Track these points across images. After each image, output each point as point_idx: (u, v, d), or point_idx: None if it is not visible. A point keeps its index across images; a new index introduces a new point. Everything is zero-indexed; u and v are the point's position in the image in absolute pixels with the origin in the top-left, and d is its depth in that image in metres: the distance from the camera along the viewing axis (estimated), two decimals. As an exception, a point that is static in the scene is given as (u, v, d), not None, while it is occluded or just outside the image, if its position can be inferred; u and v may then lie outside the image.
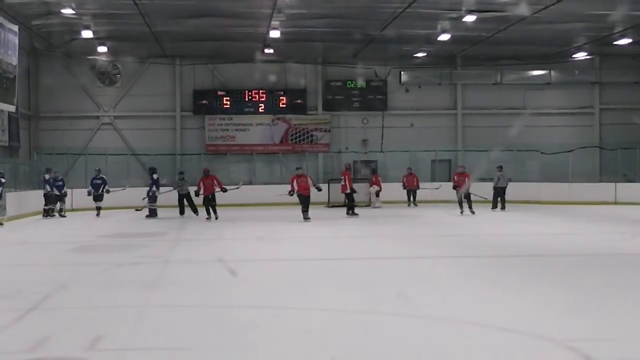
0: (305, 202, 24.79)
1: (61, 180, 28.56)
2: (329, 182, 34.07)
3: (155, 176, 28.05)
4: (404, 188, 33.45)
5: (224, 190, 26.37)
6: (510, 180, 31.11)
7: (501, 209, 29.55)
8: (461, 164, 27.95)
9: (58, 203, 28.35)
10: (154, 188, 27.76)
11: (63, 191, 28.50)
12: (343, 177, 27.60)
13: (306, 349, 7.45)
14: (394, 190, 33.43)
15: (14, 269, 14.33)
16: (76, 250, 17.11)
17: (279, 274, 12.94)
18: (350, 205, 27.25)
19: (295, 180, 24.85)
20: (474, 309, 9.38)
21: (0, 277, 12.88)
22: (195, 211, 27.49)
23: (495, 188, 30.00)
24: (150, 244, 17.96)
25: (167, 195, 28.38)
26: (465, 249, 16.55)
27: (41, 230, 23.61)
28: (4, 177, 24.46)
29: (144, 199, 27.86)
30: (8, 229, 23.08)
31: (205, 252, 16.40)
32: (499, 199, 29.84)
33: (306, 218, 24.43)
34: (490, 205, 29.55)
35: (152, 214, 27.27)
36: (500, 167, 30.76)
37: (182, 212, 27.95)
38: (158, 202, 27.77)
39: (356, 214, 26.88)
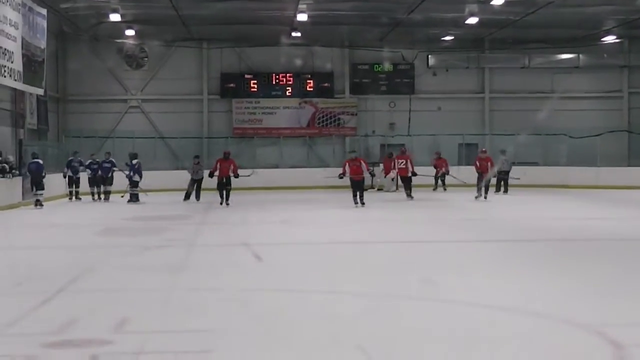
0: (356, 187, 23.84)
1: (110, 162, 28.30)
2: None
3: (134, 162, 26.84)
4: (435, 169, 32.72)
5: (236, 176, 24.91)
6: (513, 164, 30.99)
7: (504, 192, 29.51)
8: (483, 148, 27.49)
9: (102, 186, 28.11)
10: (131, 173, 26.62)
11: (109, 174, 28.13)
12: (403, 160, 27.45)
13: (332, 335, 7.44)
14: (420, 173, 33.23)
15: (42, 251, 14.46)
16: (103, 233, 17.22)
17: (305, 258, 12.96)
18: (410, 187, 27.10)
19: (347, 164, 24.09)
20: (502, 294, 9.36)
21: (29, 259, 13.00)
22: (198, 197, 26.74)
23: (498, 171, 29.89)
24: (176, 228, 18.03)
25: (181, 179, 28.15)
26: (493, 233, 16.52)
27: (68, 213, 23.75)
28: (39, 159, 24.81)
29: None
30: (36, 211, 23.25)
31: (231, 236, 16.46)
32: (502, 182, 29.89)
33: (356, 202, 23.58)
34: (494, 188, 29.39)
35: (133, 198, 26.48)
36: (504, 151, 30.64)
37: (187, 196, 26.90)
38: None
39: (412, 197, 26.72)
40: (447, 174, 32.49)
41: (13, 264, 12.38)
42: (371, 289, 9.78)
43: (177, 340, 7.25)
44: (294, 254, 13.53)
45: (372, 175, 25.37)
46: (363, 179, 24.16)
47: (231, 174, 24.91)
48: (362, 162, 24.28)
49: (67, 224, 19.93)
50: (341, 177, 24.34)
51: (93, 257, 12.96)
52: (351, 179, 23.90)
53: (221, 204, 24.70)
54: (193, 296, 9.47)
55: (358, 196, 23.69)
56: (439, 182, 32.61)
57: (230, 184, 25.02)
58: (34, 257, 13.44)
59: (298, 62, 37.69)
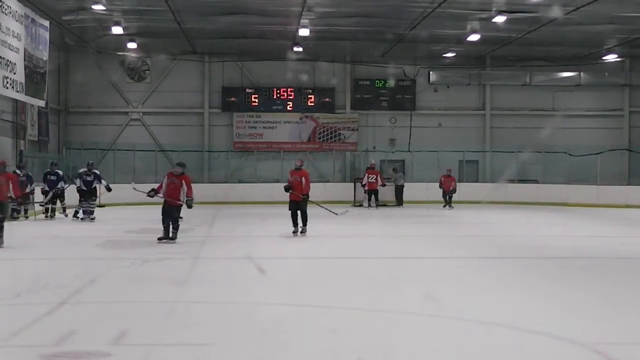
0: (167, 214, 17.44)
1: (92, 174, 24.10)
2: (355, 180, 34.03)
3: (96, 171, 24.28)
4: (440, 188, 32.52)
5: (15, 199, 17.36)
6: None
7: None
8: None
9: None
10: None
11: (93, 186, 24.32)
12: (373, 175, 27.84)
13: (332, 348, 7.46)
14: (417, 189, 33.20)
15: (45, 263, 14.46)
16: (104, 245, 17.19)
17: (307, 272, 12.99)
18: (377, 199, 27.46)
19: (166, 177, 17.72)
20: (501, 310, 9.37)
21: (31, 271, 13.00)
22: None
23: (396, 186, 32.47)
24: (178, 240, 17.97)
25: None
26: (493, 250, 16.51)
27: (70, 224, 23.67)
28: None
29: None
30: (37, 223, 23.21)
31: (233, 249, 16.44)
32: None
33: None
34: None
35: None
36: (396, 169, 33.50)
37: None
38: None
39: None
40: (454, 192, 32.04)
41: (15, 275, 12.38)
42: (371, 303, 9.79)
43: (178, 353, 7.26)
44: (297, 268, 13.55)
45: (189, 206, 17.61)
46: (180, 205, 17.57)
47: (9, 195, 16.61)
48: (184, 181, 17.44)
49: (70, 235, 19.88)
50: (151, 196, 17.91)
51: (96, 269, 12.93)
52: (165, 202, 17.57)
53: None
54: (195, 309, 9.46)
55: (171, 227, 17.46)
56: (447, 199, 32.03)
57: (4, 212, 16.51)
58: (37, 268, 13.43)
59: (299, 76, 37.70)
